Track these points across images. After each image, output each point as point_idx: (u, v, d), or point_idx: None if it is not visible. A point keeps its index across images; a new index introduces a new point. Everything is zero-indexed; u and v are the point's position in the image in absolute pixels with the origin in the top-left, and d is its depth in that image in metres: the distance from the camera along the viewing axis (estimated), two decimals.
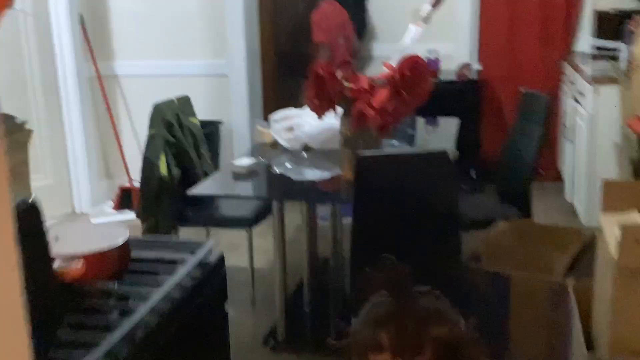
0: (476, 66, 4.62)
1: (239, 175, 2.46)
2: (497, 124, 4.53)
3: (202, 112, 4.23)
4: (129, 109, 4.46)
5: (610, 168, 3.42)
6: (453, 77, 4.30)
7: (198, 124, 3.23)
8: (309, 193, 2.46)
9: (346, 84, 2.33)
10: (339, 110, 2.38)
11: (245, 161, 2.52)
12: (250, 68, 4.31)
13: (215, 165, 4.18)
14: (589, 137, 3.46)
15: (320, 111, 2.36)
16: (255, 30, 4.66)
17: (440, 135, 3.36)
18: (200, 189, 2.37)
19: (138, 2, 4.28)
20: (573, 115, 3.85)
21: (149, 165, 2.87)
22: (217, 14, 4.17)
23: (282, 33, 4.94)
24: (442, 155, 1.91)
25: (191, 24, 4.22)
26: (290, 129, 2.86)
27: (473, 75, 4.33)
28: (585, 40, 4.43)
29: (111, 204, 4.30)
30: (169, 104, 3.04)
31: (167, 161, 2.89)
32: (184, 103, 3.16)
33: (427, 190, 1.97)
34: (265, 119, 5.01)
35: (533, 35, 4.46)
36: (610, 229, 1.89)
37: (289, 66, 4.78)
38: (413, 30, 2.57)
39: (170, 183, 2.87)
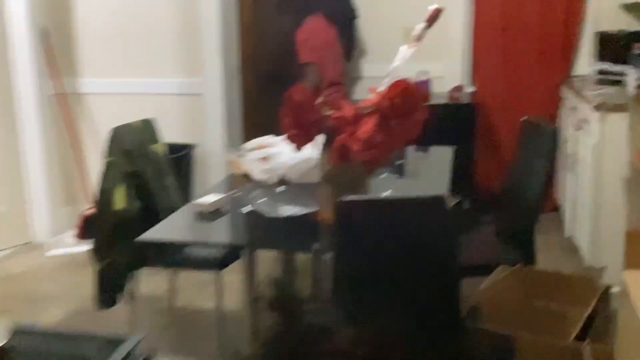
0: (469, 88, 4.34)
1: (203, 215, 2.13)
2: (492, 150, 4.24)
3: (175, 134, 3.91)
4: (94, 129, 4.12)
5: (618, 204, 3.13)
6: (445, 100, 4.01)
7: (164, 150, 2.89)
8: (282, 240, 2.11)
9: (327, 112, 2.02)
10: (320, 141, 2.06)
11: (210, 198, 2.19)
12: (227, 87, 3.99)
13: (187, 195, 3.84)
14: (594, 169, 3.16)
15: (297, 142, 2.04)
16: (234, 46, 4.34)
17: (433, 164, 3.05)
18: (153, 233, 2.02)
19: (107, 16, 3.96)
20: (575, 144, 3.57)
21: (104, 198, 2.52)
22: (191, 29, 3.85)
23: (265, 51, 4.62)
24: (437, 201, 1.60)
25: (164, 40, 3.91)
26: (266, 159, 2.54)
27: (466, 98, 4.04)
28: (585, 63, 4.17)
29: (73, 233, 3.94)
30: (129, 128, 2.70)
31: (125, 194, 2.54)
32: (148, 127, 2.83)
33: (420, 241, 1.65)
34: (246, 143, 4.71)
35: (530, 56, 4.19)
36: (638, 290, 1.58)
37: (272, 87, 4.46)
38: (405, 51, 2.26)
39: (128, 218, 2.53)
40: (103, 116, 4.09)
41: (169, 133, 3.93)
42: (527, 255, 2.49)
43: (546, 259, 2.76)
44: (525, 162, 2.64)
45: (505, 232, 2.62)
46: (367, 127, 1.94)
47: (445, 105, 3.95)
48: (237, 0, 4.27)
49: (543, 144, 2.53)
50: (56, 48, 3.94)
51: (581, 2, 4.07)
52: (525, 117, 2.76)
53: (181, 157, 3.83)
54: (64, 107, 3.98)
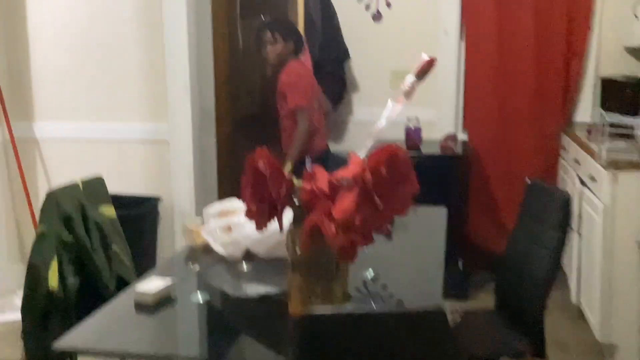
0: (461, 136, 4.00)
1: (143, 307, 1.72)
2: (487, 206, 3.88)
3: (138, 185, 3.53)
4: (50, 178, 3.72)
5: (632, 272, 2.77)
6: (436, 150, 3.66)
7: (112, 214, 2.50)
8: (239, 349, 1.69)
9: (297, 183, 1.64)
10: (287, 218, 1.68)
11: (153, 285, 1.78)
12: (197, 133, 3.62)
13: (149, 257, 3.44)
14: (604, 234, 2.80)
15: (257, 221, 1.65)
16: (208, 87, 3.99)
17: (424, 229, 2.67)
18: (70, 339, 1.57)
19: (64, 54, 3.59)
20: (580, 202, 3.21)
21: (33, 275, 2.12)
22: (157, 68, 3.49)
23: (243, 93, 4.27)
24: (435, 314, 1.22)
25: (126, 80, 3.54)
26: (228, 228, 2.15)
27: (459, 149, 3.69)
28: (586, 109, 3.85)
29: None
30: (69, 190, 2.31)
31: (60, 269, 2.14)
32: (94, 187, 2.44)
33: None
34: (222, 197, 4.31)
35: (526, 100, 3.86)
36: None
37: (253, 133, 4.11)
38: (392, 108, 1.90)
39: (62, 299, 2.13)
40: (58, 164, 3.70)
41: (131, 184, 3.56)
42: (536, 345, 2.11)
43: (551, 328, 2.38)
44: (531, 230, 2.27)
45: (508, 313, 2.24)
46: (344, 204, 1.57)
47: (436, 157, 3.60)
48: (211, 35, 3.94)
49: (552, 213, 2.16)
50: (5, 87, 3.55)
51: (582, 42, 3.76)
52: (530, 180, 2.40)
53: (144, 212, 3.44)
54: (14, 153, 3.58)
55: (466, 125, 4.00)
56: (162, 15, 3.42)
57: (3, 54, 3.56)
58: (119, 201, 3.52)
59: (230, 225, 2.15)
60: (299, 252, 1.63)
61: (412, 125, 3.69)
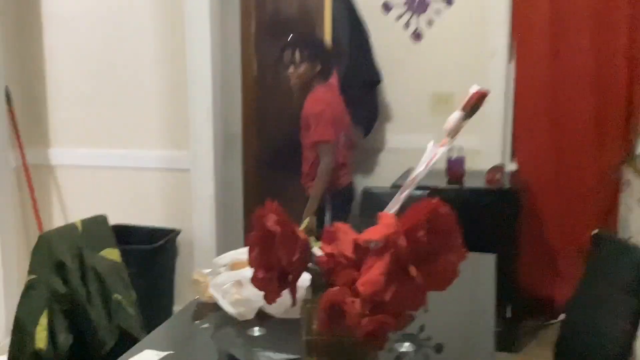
0: (511, 166, 3.64)
1: None
2: (539, 247, 3.50)
3: (155, 217, 3.28)
4: (65, 206, 3.50)
5: None
6: (481, 184, 3.31)
7: (116, 257, 2.23)
8: None
9: (315, 246, 1.34)
10: (304, 283, 1.37)
11: (146, 357, 1.50)
12: (220, 162, 3.35)
13: (169, 292, 3.18)
14: None
15: (267, 291, 1.35)
16: (235, 113, 3.74)
17: (470, 273, 2.32)
18: None
19: (81, 77, 3.38)
20: None
21: (20, 332, 1.86)
22: (179, 92, 3.24)
23: (273, 118, 4.00)
24: None
25: (146, 105, 3.30)
26: (239, 284, 1.86)
27: (507, 182, 3.33)
28: None
29: None
30: (65, 232, 2.06)
31: (50, 325, 1.88)
32: (95, 228, 2.18)
33: None
34: (248, 231, 4.04)
35: (584, 129, 3.48)
36: None
37: (281, 162, 3.82)
38: (433, 150, 1.58)
39: None
40: (74, 192, 3.47)
41: (149, 215, 3.31)
42: None
43: None
44: (598, 292, 1.91)
45: None
46: (372, 274, 1.25)
47: (482, 191, 3.25)
48: (239, 56, 3.69)
49: (625, 274, 1.80)
50: (20, 112, 3.36)
51: None
52: (596, 231, 2.04)
53: (161, 245, 3.18)
54: (27, 181, 3.37)
55: (516, 154, 3.64)
56: (184, 36, 3.18)
57: (18, 76, 3.36)
58: (134, 233, 3.32)
59: (241, 280, 1.85)
60: (316, 332, 1.33)
61: (454, 155, 3.35)
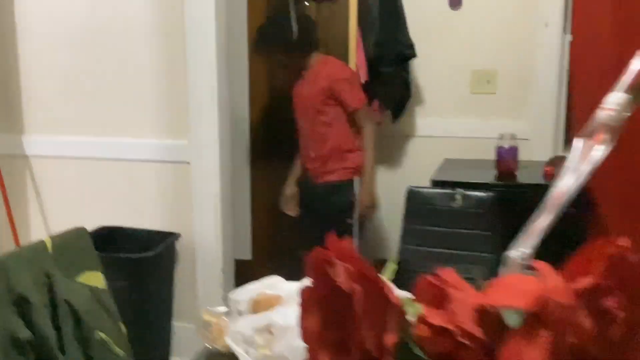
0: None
1: None
2: None
3: (152, 217, 2.76)
4: (43, 204, 2.96)
5: None
6: (538, 179, 2.79)
7: (99, 283, 1.70)
8: None
9: (409, 307, 0.83)
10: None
11: None
12: (226, 153, 2.82)
13: (168, 307, 2.69)
14: None
15: None
16: (242, 94, 3.20)
17: None
18: None
19: (61, 54, 2.82)
20: None
21: None
22: (176, 69, 2.70)
23: (283, 98, 3.45)
24: None
25: (138, 86, 2.75)
26: (268, 331, 1.34)
27: None
28: None
29: None
30: (29, 255, 1.52)
31: None
32: (71, 246, 1.65)
33: None
34: (256, 235, 3.52)
35: None
36: None
37: (294, 151, 3.30)
38: (585, 150, 1.04)
39: None
40: (54, 188, 2.94)
41: (142, 216, 2.79)
42: None
43: None
44: None
45: None
46: None
47: (539, 187, 2.72)
48: (246, 30, 3.15)
49: None
50: None
51: None
52: None
53: (158, 253, 2.66)
54: None
55: (572, 142, 3.11)
56: (183, 3, 2.62)
57: None
58: (126, 237, 2.80)
59: (271, 327, 1.33)
60: None
61: (505, 144, 2.82)
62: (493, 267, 2.05)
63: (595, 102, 3.06)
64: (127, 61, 2.73)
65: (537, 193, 2.54)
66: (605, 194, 2.90)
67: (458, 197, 2.08)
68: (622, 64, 2.93)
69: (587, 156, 0.98)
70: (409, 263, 2.07)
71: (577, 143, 1.01)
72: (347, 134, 2.76)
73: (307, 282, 0.89)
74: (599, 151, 0.97)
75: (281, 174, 3.32)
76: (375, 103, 3.08)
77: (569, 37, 3.08)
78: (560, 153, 2.96)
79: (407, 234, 2.14)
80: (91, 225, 2.70)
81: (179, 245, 2.77)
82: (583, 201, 2.59)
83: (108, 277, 1.75)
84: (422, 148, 3.34)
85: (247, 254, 3.48)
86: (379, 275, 0.82)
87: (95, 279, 1.71)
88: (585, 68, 3.02)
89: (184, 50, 2.65)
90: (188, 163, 2.74)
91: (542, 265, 0.80)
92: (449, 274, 0.88)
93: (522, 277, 0.83)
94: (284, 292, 1.41)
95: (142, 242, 2.71)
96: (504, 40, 3.17)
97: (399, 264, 2.13)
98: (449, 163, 3.04)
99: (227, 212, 2.82)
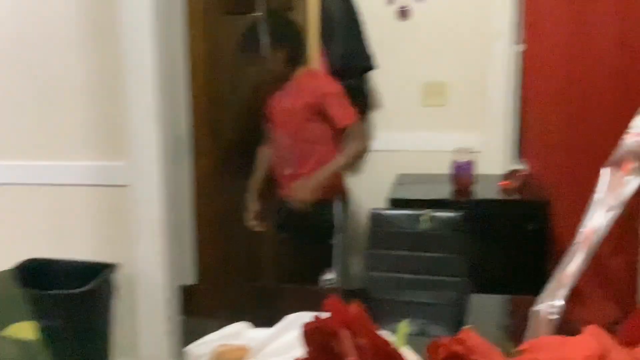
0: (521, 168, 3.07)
1: None
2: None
3: (85, 247, 2.52)
4: None
5: None
6: (494, 194, 2.71)
7: (29, 334, 1.47)
8: None
9: None
10: None
11: None
12: (169, 175, 2.60)
13: (103, 348, 2.44)
14: None
15: None
16: (180, 110, 2.98)
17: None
18: None
19: None
20: None
21: None
22: (110, 85, 2.47)
23: (234, 115, 3.24)
24: None
25: (68, 103, 2.50)
26: None
27: (531, 191, 2.74)
28: None
29: None
30: None
31: None
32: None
33: None
34: (203, 264, 3.32)
35: (607, 123, 2.93)
36: None
37: (242, 168, 3.10)
38: (616, 182, 0.90)
39: None
40: None
41: (75, 247, 2.54)
42: None
43: None
44: None
45: None
46: None
47: (495, 203, 2.65)
48: (183, 38, 2.93)
49: None
50: None
51: None
52: None
53: (95, 288, 2.40)
54: None
55: (526, 154, 3.07)
56: (115, 12, 2.40)
57: None
58: (58, 270, 2.53)
59: None
60: None
61: (461, 158, 2.73)
62: (463, 291, 1.93)
63: (548, 112, 3.01)
64: (54, 75, 2.48)
65: (494, 208, 2.48)
66: (549, 181, 2.85)
67: (425, 218, 1.97)
68: (575, 74, 2.89)
69: (616, 188, 0.85)
70: (375, 291, 1.93)
71: (604, 173, 0.88)
72: (332, 153, 2.58)
73: (299, 352, 0.73)
74: (629, 182, 0.84)
75: (231, 191, 3.13)
76: None
77: (520, 48, 3.03)
78: (514, 166, 2.91)
79: (372, 260, 2.00)
80: (18, 257, 2.43)
81: (118, 276, 2.52)
82: (541, 216, 2.54)
83: (38, 317, 1.51)
84: (373, 163, 3.22)
85: (191, 278, 3.26)
86: (397, 349, 0.66)
87: (25, 330, 1.46)
88: (538, 78, 2.98)
89: (119, 61, 2.42)
90: (126, 186, 2.51)
91: (592, 328, 0.66)
92: (471, 338, 0.72)
93: (564, 340, 0.69)
94: (251, 342, 1.24)
95: (76, 276, 2.45)
96: (454, 52, 3.09)
97: (363, 291, 1.99)
98: (403, 179, 2.93)
99: (172, 239, 2.60)
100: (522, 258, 2.46)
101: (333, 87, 2.52)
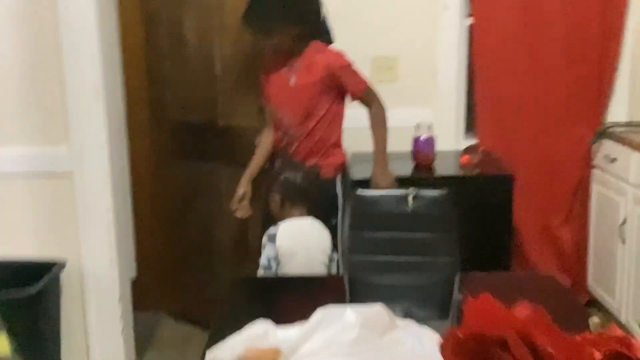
0: (462, 143, 3.07)
1: None
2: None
3: (27, 243, 2.28)
4: None
5: None
6: (455, 170, 2.69)
7: (4, 350, 1.27)
8: None
9: None
10: None
11: None
12: (116, 157, 2.39)
13: (52, 352, 2.24)
14: None
15: None
16: (119, 88, 2.76)
17: None
18: None
19: None
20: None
21: None
22: (49, 63, 2.21)
23: (179, 93, 2.98)
24: None
25: (4, 87, 2.22)
26: None
27: (494, 165, 2.74)
28: (622, 108, 3.06)
29: None
30: None
31: None
32: None
33: None
34: (141, 253, 3.06)
35: (554, 95, 2.99)
36: None
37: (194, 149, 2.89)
38: None
39: None
40: None
41: (14, 243, 2.29)
42: None
43: None
44: None
45: None
46: None
47: (460, 179, 2.63)
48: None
49: None
50: None
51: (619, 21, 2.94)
52: None
53: (42, 290, 2.16)
54: None
55: (476, 127, 3.07)
56: None
57: None
58: None
59: None
60: None
61: (422, 134, 2.68)
62: (452, 272, 1.88)
63: (499, 86, 3.02)
64: None
65: (457, 185, 2.43)
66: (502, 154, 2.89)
67: (410, 197, 1.90)
68: (526, 44, 2.91)
69: None
70: (359, 275, 1.84)
71: None
72: (337, 127, 2.47)
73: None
74: None
75: (176, 174, 2.94)
76: None
77: (469, 21, 3.01)
78: (468, 141, 2.91)
79: (355, 243, 1.90)
80: None
81: (66, 276, 2.30)
82: (505, 191, 2.55)
83: None
84: None
85: (133, 271, 3.05)
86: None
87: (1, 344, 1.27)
88: (487, 51, 2.98)
89: (57, 37, 2.17)
90: (71, 173, 2.28)
91: None
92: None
93: None
94: (282, 344, 1.12)
95: (16, 277, 2.21)
96: (403, 24, 3.02)
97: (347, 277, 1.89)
98: (358, 157, 2.84)
99: (123, 229, 2.40)
100: (488, 234, 2.45)
101: (345, 60, 2.41)
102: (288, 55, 2.40)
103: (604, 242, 2.90)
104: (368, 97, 2.45)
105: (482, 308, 0.56)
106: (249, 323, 1.19)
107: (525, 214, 2.93)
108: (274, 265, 2.10)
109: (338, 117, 2.46)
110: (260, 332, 1.15)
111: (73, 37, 2.19)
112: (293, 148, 2.42)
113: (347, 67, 2.41)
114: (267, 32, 2.35)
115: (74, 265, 2.30)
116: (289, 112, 2.41)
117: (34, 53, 2.20)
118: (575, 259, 3.04)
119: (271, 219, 2.29)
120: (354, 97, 2.45)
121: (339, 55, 2.43)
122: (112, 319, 2.38)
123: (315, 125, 2.42)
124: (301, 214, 2.22)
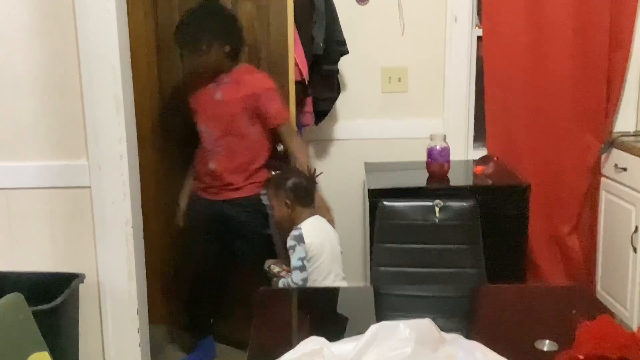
0: (472, 154, 3.10)
1: None
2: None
3: (44, 257, 2.26)
4: None
5: None
6: (469, 180, 2.71)
7: None
8: None
9: None
10: None
11: None
12: (134, 170, 2.37)
13: None
14: None
15: None
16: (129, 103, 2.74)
17: None
18: None
19: None
20: None
21: None
22: (67, 74, 2.19)
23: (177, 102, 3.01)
24: None
25: (19, 96, 2.20)
26: None
27: (509, 177, 2.75)
28: (630, 117, 3.09)
29: None
30: None
31: None
32: (9, 323, 1.19)
33: None
34: (152, 271, 3.04)
35: (563, 105, 3.02)
36: None
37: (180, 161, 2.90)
38: None
39: None
40: None
41: (32, 257, 2.27)
42: None
43: None
44: None
45: None
46: None
47: (475, 189, 2.64)
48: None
49: None
50: None
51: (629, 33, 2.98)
52: None
53: (61, 303, 2.13)
54: None
55: (486, 140, 3.09)
56: None
57: None
58: (12, 284, 2.21)
59: None
60: None
61: (437, 145, 2.70)
62: (478, 283, 1.89)
63: (509, 96, 3.04)
64: (4, 66, 2.17)
65: (469, 199, 2.43)
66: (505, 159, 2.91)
67: (437, 209, 1.90)
68: (535, 55, 2.93)
69: None
70: (383, 287, 1.84)
71: None
72: (262, 154, 2.51)
73: None
74: None
75: (179, 189, 2.93)
76: (309, 104, 2.79)
77: (479, 32, 3.04)
78: (480, 152, 2.93)
79: (379, 255, 1.91)
80: None
81: (84, 289, 2.28)
82: (521, 200, 2.57)
83: None
84: (336, 152, 3.13)
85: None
86: None
87: None
88: (497, 62, 3.01)
89: (77, 49, 2.16)
90: (88, 188, 2.26)
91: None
92: None
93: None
94: (337, 359, 1.11)
95: (33, 290, 2.17)
96: (412, 35, 3.05)
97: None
98: (372, 167, 2.86)
99: (139, 242, 2.38)
100: (503, 244, 2.47)
101: (270, 84, 2.44)
102: (217, 72, 2.42)
103: (614, 251, 2.92)
104: (289, 128, 2.48)
105: (600, 330, 0.57)
106: (301, 340, 1.19)
107: (534, 223, 2.94)
108: (307, 264, 2.14)
109: (262, 146, 2.49)
110: (316, 348, 1.14)
111: (93, 51, 2.17)
112: (214, 165, 2.48)
113: (272, 90, 2.44)
114: (197, 48, 2.40)
115: (91, 278, 2.28)
116: (211, 125, 2.48)
117: (53, 67, 2.18)
118: (583, 267, 3.05)
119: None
120: (274, 122, 2.46)
121: (265, 78, 2.46)
122: (129, 332, 2.36)
123: (236, 144, 2.45)
124: (312, 214, 2.27)
